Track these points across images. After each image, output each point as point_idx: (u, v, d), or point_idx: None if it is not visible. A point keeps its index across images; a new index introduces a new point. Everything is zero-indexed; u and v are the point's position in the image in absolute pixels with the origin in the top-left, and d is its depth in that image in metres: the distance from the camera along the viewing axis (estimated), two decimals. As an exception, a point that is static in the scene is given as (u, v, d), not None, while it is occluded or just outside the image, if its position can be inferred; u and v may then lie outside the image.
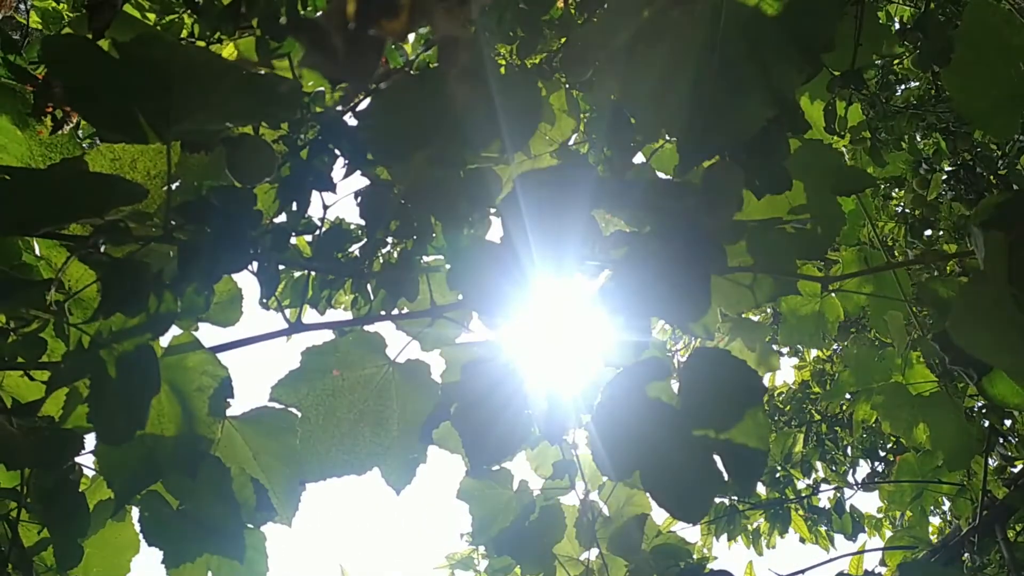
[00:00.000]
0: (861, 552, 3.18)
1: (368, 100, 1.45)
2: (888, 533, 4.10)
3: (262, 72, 1.20)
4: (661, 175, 1.94)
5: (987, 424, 2.35)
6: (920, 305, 1.75)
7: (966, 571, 1.90)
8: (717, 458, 1.42)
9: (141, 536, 1.68)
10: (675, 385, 1.49)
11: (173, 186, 1.49)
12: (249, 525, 1.68)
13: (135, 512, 1.73)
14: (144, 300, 1.15)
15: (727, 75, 1.16)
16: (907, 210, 3.99)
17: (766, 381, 5.15)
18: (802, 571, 2.23)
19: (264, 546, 1.75)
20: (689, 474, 1.41)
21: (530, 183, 1.51)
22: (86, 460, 1.59)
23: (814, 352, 4.87)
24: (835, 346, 4.40)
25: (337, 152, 1.51)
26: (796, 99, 1.49)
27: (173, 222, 1.33)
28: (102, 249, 1.25)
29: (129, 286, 1.15)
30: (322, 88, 1.53)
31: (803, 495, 4.24)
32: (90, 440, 1.48)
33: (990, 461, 2.56)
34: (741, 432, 1.40)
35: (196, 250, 1.28)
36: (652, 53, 1.19)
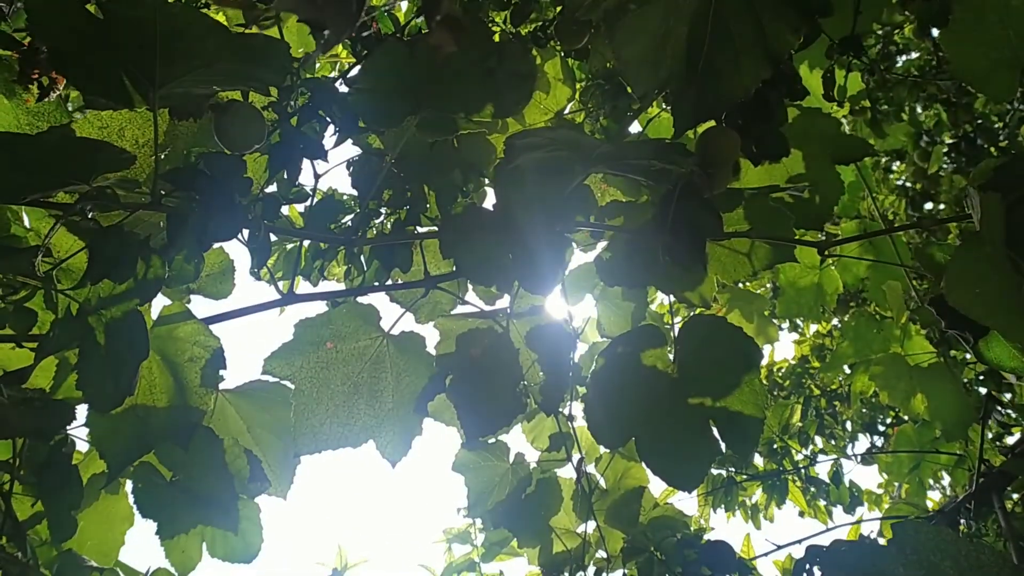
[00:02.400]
0: (858, 522, 3.19)
1: (359, 66, 1.43)
2: (888, 507, 4.11)
3: (249, 34, 1.18)
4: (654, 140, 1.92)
5: (984, 392, 2.35)
6: (918, 273, 1.74)
7: (962, 537, 1.90)
8: (713, 426, 1.42)
9: (135, 508, 1.68)
10: (671, 354, 1.48)
11: (162, 154, 1.47)
12: (243, 496, 1.68)
13: (129, 485, 1.72)
14: (132, 266, 1.14)
15: (722, 34, 1.14)
16: (908, 183, 3.97)
17: (765, 355, 5.16)
18: (798, 541, 2.22)
19: (259, 517, 1.75)
20: (684, 442, 1.40)
21: (527, 147, 1.49)
22: (80, 433, 1.58)
23: (814, 327, 4.87)
24: (835, 321, 4.39)
25: (328, 119, 1.50)
26: (793, 64, 1.47)
27: (162, 190, 1.31)
28: (90, 216, 1.23)
29: (116, 252, 1.13)
30: (311, 53, 1.51)
31: (800, 466, 4.24)
32: (83, 413, 1.48)
33: (988, 430, 2.56)
34: (737, 400, 1.39)
35: (185, 217, 1.26)
36: (645, 13, 1.17)
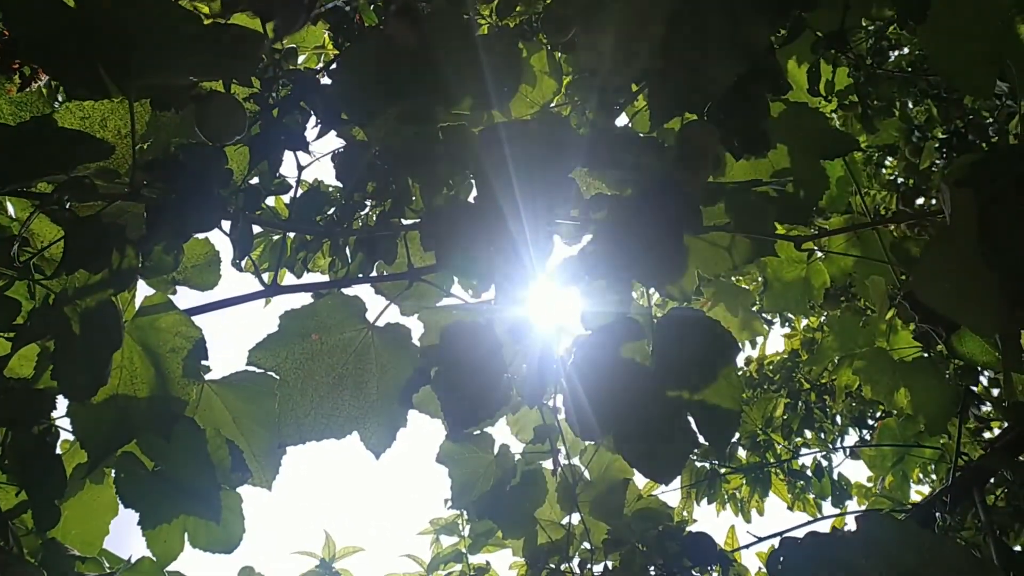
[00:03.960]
0: (843, 514, 3.20)
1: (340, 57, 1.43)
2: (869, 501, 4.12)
3: (225, 24, 1.18)
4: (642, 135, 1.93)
5: (963, 386, 2.36)
6: (897, 266, 1.74)
7: (938, 531, 1.91)
8: (690, 418, 1.42)
9: (118, 497, 1.69)
10: (649, 347, 1.48)
11: (145, 145, 1.47)
12: (225, 487, 1.69)
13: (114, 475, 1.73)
14: (106, 256, 1.14)
15: (698, 28, 1.14)
16: (899, 179, 3.97)
17: (756, 351, 5.17)
18: (779, 533, 2.23)
19: (241, 507, 1.76)
20: (662, 434, 1.41)
21: (511, 138, 1.49)
22: (66, 423, 1.59)
23: (804, 321, 4.88)
24: (824, 315, 4.40)
25: (310, 111, 1.50)
26: (774, 58, 1.47)
27: (144, 181, 1.32)
28: (67, 206, 1.23)
29: (91, 242, 1.14)
30: (294, 45, 1.51)
31: (783, 459, 4.25)
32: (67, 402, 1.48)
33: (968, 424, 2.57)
34: (714, 392, 1.40)
35: (164, 208, 1.27)
36: (623, 7, 1.17)
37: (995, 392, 3.27)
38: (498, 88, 1.58)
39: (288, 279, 2.54)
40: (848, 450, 4.12)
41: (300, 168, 1.59)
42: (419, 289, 1.87)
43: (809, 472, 4.21)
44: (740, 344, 2.22)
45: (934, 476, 3.72)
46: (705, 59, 1.12)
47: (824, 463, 4.27)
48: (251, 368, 1.74)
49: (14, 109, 1.50)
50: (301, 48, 2.10)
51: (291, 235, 2.26)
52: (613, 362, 1.46)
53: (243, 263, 1.61)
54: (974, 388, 2.37)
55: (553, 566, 2.19)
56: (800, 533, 1.23)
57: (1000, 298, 1.01)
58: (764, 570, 2.86)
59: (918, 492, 3.95)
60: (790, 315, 4.79)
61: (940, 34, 1.30)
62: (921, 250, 1.09)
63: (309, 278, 2.63)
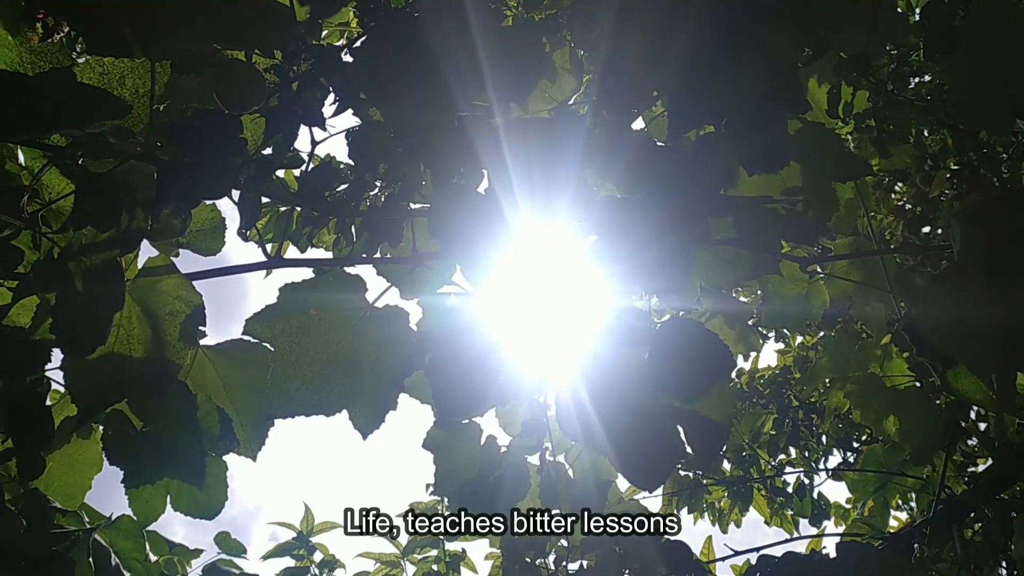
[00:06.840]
0: (820, 535, 3.22)
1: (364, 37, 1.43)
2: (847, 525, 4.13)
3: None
4: (658, 143, 1.93)
5: (953, 420, 2.37)
6: (900, 296, 1.75)
7: (915, 562, 1.92)
8: (680, 428, 1.43)
9: (104, 454, 1.69)
10: (646, 354, 1.48)
11: (162, 107, 1.47)
12: (211, 453, 1.69)
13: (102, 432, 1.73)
14: (115, 215, 1.14)
15: (724, 42, 1.14)
16: (908, 205, 3.96)
17: (749, 363, 5.17)
18: (756, 549, 2.24)
19: (225, 475, 1.76)
20: (650, 442, 1.42)
21: (520, 133, 1.50)
22: (58, 375, 1.59)
23: (799, 339, 4.87)
24: (820, 334, 4.40)
25: (329, 87, 1.49)
26: (797, 77, 1.47)
27: (157, 142, 1.32)
28: (80, 162, 1.23)
29: (101, 200, 1.14)
30: (318, 20, 1.50)
31: (767, 475, 4.26)
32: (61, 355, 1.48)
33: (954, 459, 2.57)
34: (706, 405, 1.40)
35: (176, 171, 1.27)
36: (648, 13, 1.17)
37: (982, 426, 3.28)
38: (518, 82, 1.58)
39: (292, 252, 2.54)
40: (829, 471, 4.13)
41: (314, 143, 1.59)
42: (421, 274, 1.87)
43: (791, 490, 4.22)
44: (735, 358, 2.22)
45: (914, 504, 3.72)
46: (730, 75, 1.12)
47: (806, 481, 4.28)
48: (247, 337, 1.74)
49: (34, 59, 1.49)
50: (325, 24, 2.09)
51: (298, 209, 2.26)
52: (609, 366, 1.46)
53: (248, 232, 1.61)
54: (963, 423, 2.38)
55: (529, 560, 2.20)
56: (777, 551, 1.24)
57: (1000, 338, 1.02)
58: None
59: (896, 518, 3.96)
60: (784, 329, 4.79)
61: (964, 71, 1.30)
62: (926, 284, 1.09)
63: (313, 253, 2.63)
